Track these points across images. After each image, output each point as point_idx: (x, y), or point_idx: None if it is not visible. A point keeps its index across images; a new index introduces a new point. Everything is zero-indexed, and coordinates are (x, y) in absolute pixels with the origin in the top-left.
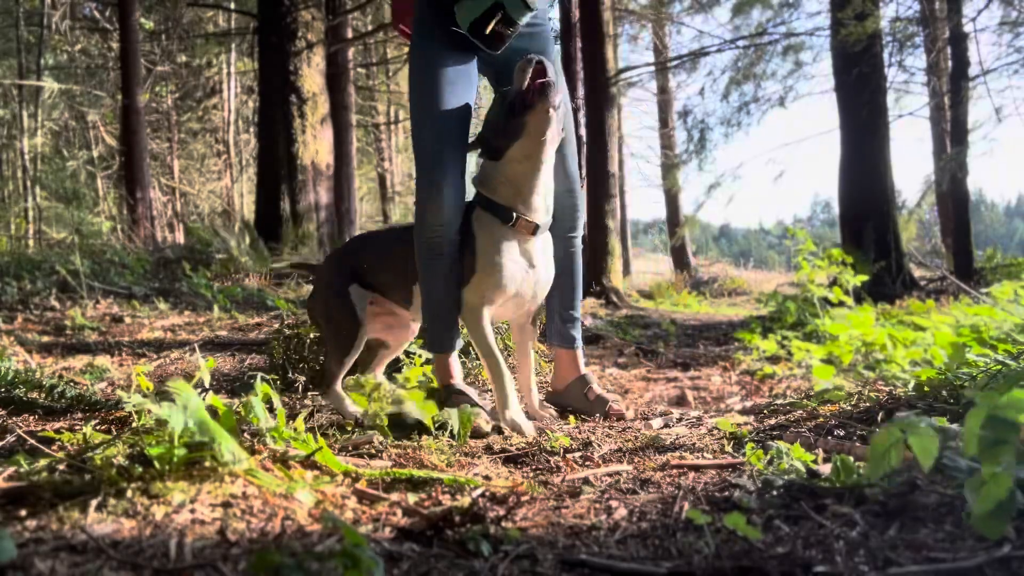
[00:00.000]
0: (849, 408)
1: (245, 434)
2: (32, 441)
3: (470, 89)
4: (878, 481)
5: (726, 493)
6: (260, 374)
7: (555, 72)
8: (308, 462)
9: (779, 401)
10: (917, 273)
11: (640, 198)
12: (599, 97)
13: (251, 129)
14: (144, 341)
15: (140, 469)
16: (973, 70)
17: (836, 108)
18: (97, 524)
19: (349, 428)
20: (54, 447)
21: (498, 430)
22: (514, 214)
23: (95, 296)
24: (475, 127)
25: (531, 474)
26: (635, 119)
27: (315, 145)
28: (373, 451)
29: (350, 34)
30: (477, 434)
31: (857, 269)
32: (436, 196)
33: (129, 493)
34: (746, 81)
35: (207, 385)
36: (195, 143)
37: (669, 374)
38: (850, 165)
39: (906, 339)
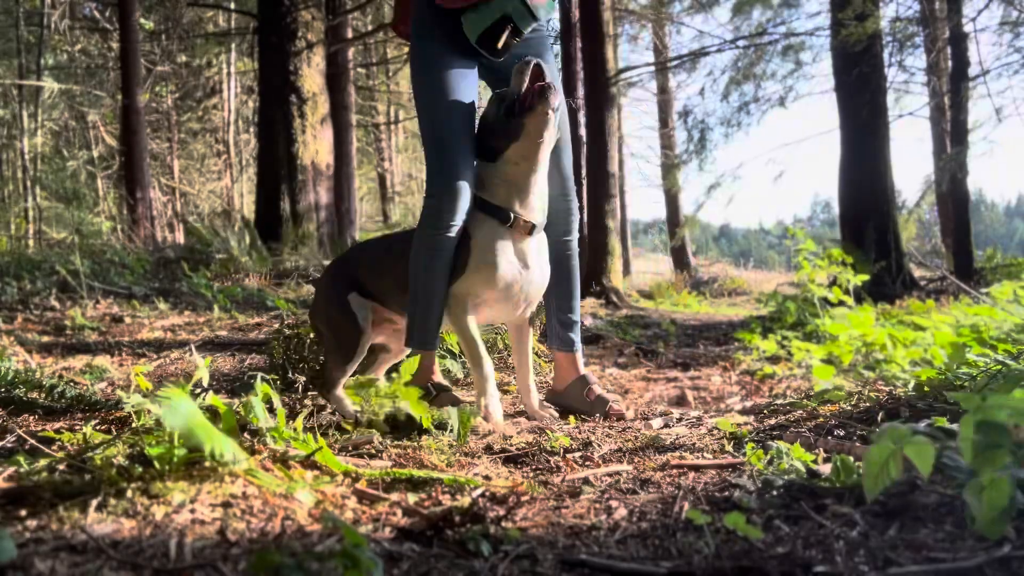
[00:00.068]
0: (849, 408)
1: (245, 434)
2: (32, 441)
3: (474, 90)
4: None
5: (726, 493)
6: (260, 374)
7: (553, 75)
8: (308, 462)
9: (779, 401)
10: (917, 273)
11: (640, 198)
12: (599, 97)
13: (251, 129)
14: (144, 341)
15: (140, 469)
16: (973, 70)
17: (836, 108)
18: (97, 524)
19: (349, 428)
20: (54, 447)
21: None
22: (512, 214)
23: (95, 296)
24: None
25: (531, 474)
26: (635, 119)
27: (315, 145)
28: (373, 451)
29: (350, 34)
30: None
31: (857, 269)
32: (454, 197)
33: (129, 493)
34: (746, 81)
35: (206, 385)
36: (195, 143)
37: (669, 374)
38: (850, 165)
39: (906, 339)
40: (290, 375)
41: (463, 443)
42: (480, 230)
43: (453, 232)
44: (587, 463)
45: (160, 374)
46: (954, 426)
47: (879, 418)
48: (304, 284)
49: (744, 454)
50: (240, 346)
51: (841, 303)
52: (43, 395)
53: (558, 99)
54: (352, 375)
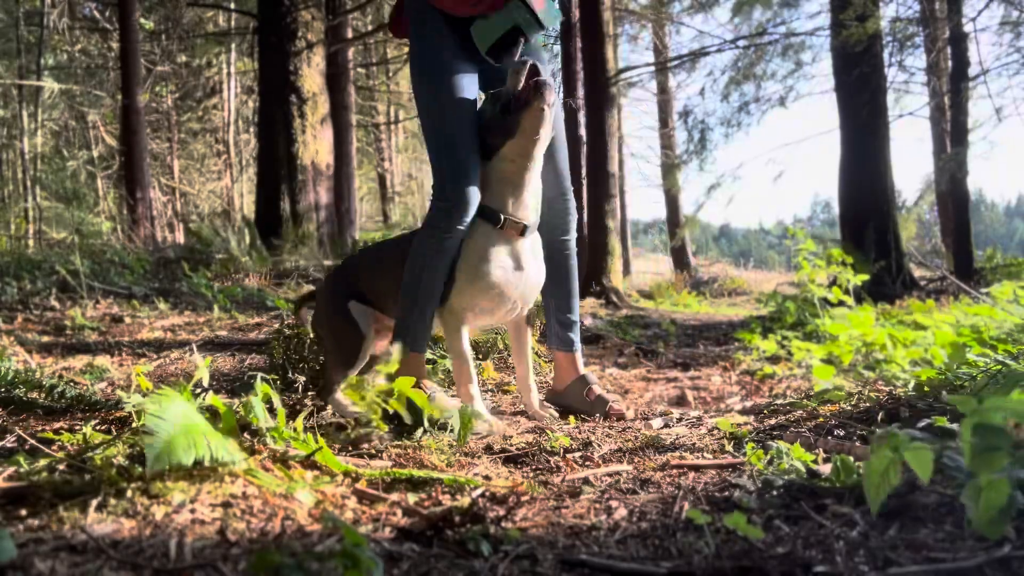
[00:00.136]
0: (849, 408)
1: (245, 434)
2: (32, 441)
3: (476, 91)
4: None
5: (726, 493)
6: (260, 374)
7: (547, 75)
8: (308, 462)
9: (779, 401)
10: (917, 273)
11: (640, 198)
12: (599, 97)
13: (251, 129)
14: (144, 341)
15: (140, 469)
16: (973, 70)
17: (836, 108)
18: (97, 524)
19: (349, 427)
20: (54, 447)
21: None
22: (502, 216)
23: (95, 296)
24: None
25: (531, 474)
26: (635, 119)
27: (315, 145)
28: (373, 451)
29: (350, 34)
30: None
31: (857, 269)
32: (465, 200)
33: (129, 493)
34: (746, 81)
35: (206, 385)
36: (195, 143)
37: (669, 374)
38: (850, 165)
39: (906, 339)
40: (290, 375)
41: (463, 443)
42: (471, 237)
43: (459, 234)
44: (587, 463)
45: (160, 374)
46: (954, 426)
47: (879, 418)
48: (304, 284)
49: (744, 454)
50: (240, 346)
51: (841, 303)
52: (43, 395)
53: (553, 96)
54: None
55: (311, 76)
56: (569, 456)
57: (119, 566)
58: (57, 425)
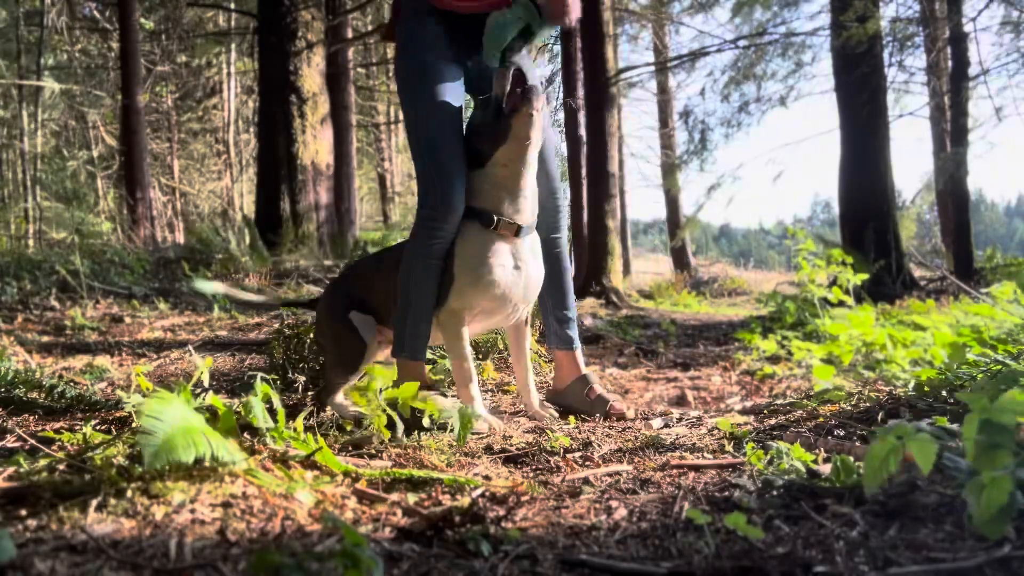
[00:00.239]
0: (849, 408)
1: (245, 434)
2: (32, 441)
3: (462, 98)
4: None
5: (726, 493)
6: (260, 374)
7: (534, 78)
8: (308, 462)
9: (779, 401)
10: (917, 273)
11: (640, 198)
12: (599, 97)
13: (251, 129)
14: (144, 341)
15: (140, 469)
16: (973, 70)
17: (836, 108)
18: (97, 524)
19: (349, 428)
20: (54, 447)
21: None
22: (495, 217)
23: (95, 296)
24: None
25: (531, 474)
26: (635, 119)
27: (315, 145)
28: (373, 451)
29: (350, 34)
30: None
31: (857, 269)
32: (451, 208)
33: (129, 493)
34: (746, 81)
35: (206, 385)
36: (195, 143)
37: (669, 374)
38: (850, 165)
39: (906, 339)
40: (290, 375)
41: (463, 443)
42: (465, 236)
43: (447, 239)
44: (587, 463)
45: (160, 374)
46: (955, 426)
47: (879, 418)
48: (304, 284)
49: (744, 454)
50: (240, 346)
51: (841, 303)
52: (43, 395)
53: (541, 100)
54: None
55: (311, 76)
56: (569, 456)
57: (119, 566)
58: (57, 425)
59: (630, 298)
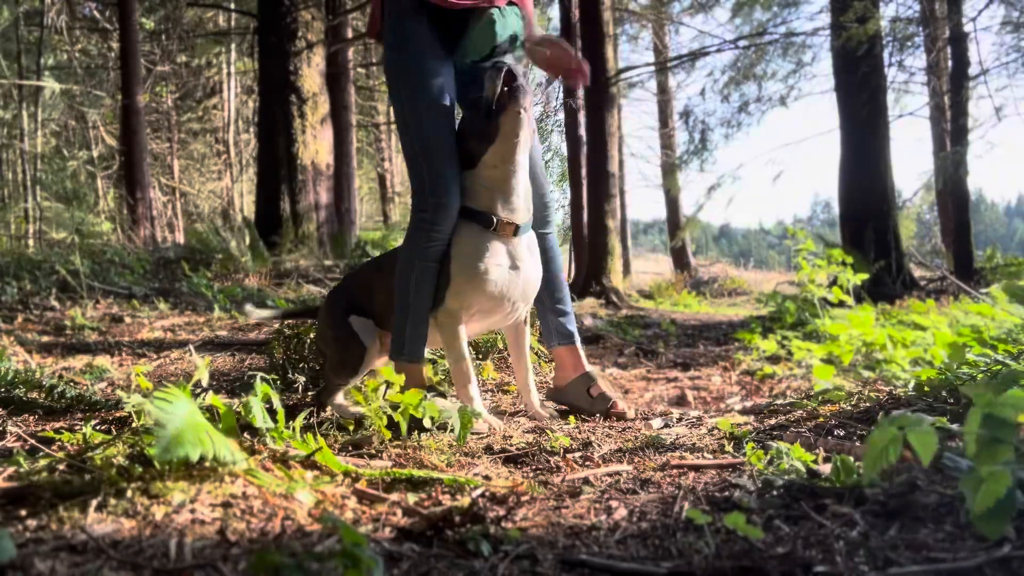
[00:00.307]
0: (849, 408)
1: (245, 434)
2: (32, 441)
3: (453, 97)
4: (878, 481)
5: (726, 493)
6: (260, 374)
7: (523, 78)
8: (308, 462)
9: (779, 401)
10: (917, 273)
11: (640, 198)
12: (599, 97)
13: (251, 129)
14: (144, 341)
15: (140, 469)
16: (973, 70)
17: (836, 108)
18: (97, 524)
19: (351, 427)
20: (54, 447)
21: None
22: (494, 218)
23: (95, 296)
24: None
25: (531, 474)
26: (635, 119)
27: (315, 145)
28: (373, 451)
29: (350, 34)
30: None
31: (857, 269)
32: (446, 210)
33: (129, 493)
34: (746, 81)
35: (206, 385)
36: (195, 143)
37: (669, 374)
38: (850, 165)
39: (906, 339)
40: (290, 375)
41: (463, 443)
42: (463, 237)
43: (443, 240)
44: (587, 463)
45: (160, 374)
46: (955, 426)
47: (879, 418)
48: (304, 284)
49: (744, 454)
50: (240, 346)
51: (841, 303)
52: (43, 395)
53: (529, 98)
54: None
55: (311, 76)
56: (569, 456)
57: (119, 566)
58: (57, 425)
59: (630, 298)
